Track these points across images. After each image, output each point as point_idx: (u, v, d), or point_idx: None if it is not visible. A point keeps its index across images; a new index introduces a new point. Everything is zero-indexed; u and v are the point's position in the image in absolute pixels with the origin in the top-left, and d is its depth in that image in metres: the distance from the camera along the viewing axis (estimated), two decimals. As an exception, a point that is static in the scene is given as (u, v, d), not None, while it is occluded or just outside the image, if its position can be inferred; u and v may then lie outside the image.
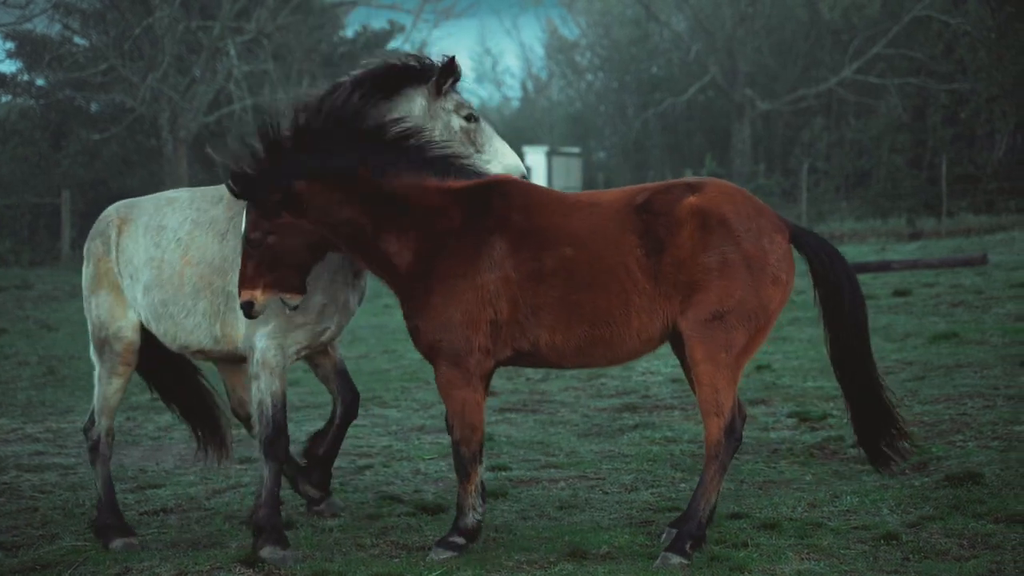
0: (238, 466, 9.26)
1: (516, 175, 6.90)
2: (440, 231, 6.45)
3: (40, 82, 36.34)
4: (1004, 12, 34.44)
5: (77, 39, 35.37)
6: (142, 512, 8.00)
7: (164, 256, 7.17)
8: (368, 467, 9.04)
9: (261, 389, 6.88)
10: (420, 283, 6.46)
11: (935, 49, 38.39)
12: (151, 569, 6.59)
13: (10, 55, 35.57)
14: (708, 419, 6.36)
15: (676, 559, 6.26)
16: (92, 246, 7.52)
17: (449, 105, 7.01)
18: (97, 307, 7.41)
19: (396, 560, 6.61)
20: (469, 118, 7.03)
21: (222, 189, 7.30)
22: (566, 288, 6.33)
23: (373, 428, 10.57)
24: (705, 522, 6.43)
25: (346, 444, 9.79)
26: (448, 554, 6.53)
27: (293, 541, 6.96)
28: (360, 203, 6.45)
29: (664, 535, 6.74)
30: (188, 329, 7.11)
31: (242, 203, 6.79)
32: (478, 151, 6.98)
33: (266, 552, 6.62)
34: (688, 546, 6.32)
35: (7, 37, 33.97)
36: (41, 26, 34.18)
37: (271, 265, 6.43)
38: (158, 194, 7.68)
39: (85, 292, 7.55)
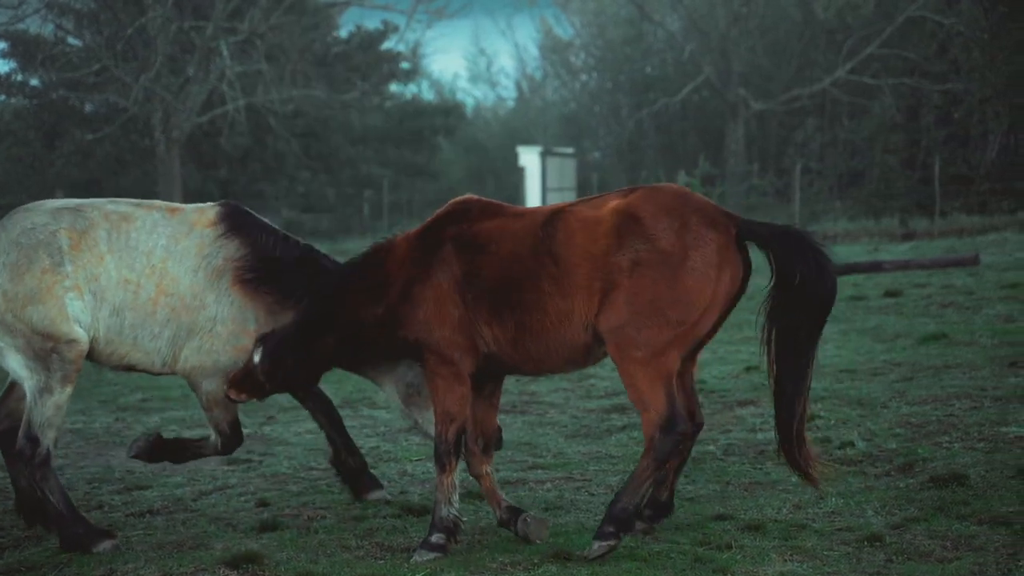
0: (225, 468, 9.28)
1: None
2: (402, 272, 6.83)
3: (34, 82, 36.35)
4: (997, 12, 34.53)
5: (71, 39, 35.36)
6: (128, 514, 8.00)
7: (140, 281, 7.26)
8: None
9: (217, 418, 7.50)
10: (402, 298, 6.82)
11: (929, 49, 38.47)
12: (135, 571, 6.59)
13: (4, 55, 35.58)
14: (641, 415, 6.47)
15: (597, 544, 6.40)
16: (34, 256, 7.10)
17: None
18: (39, 319, 7.05)
19: (381, 562, 6.61)
20: None
21: (189, 215, 7.52)
22: (490, 281, 6.62)
23: (362, 429, 10.58)
24: (631, 510, 6.45)
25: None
26: (431, 555, 6.56)
27: (278, 542, 6.98)
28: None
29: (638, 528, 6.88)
30: (146, 351, 7.36)
31: (216, 239, 7.38)
32: None
33: None
34: (611, 529, 6.39)
35: (0, 37, 33.96)
36: (34, 26, 34.18)
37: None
38: (91, 201, 7.50)
39: (13, 305, 7.06)
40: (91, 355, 7.35)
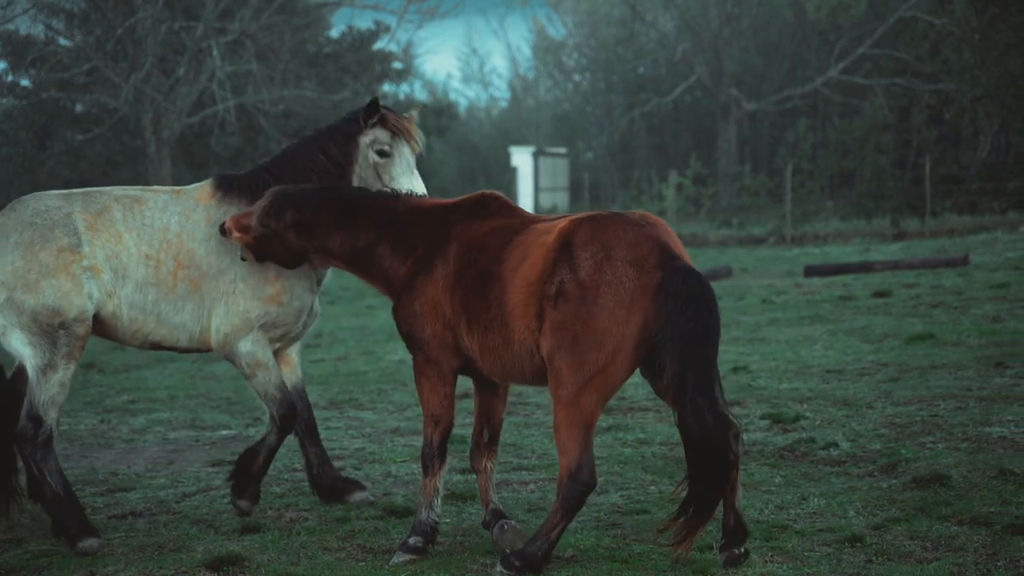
0: (210, 469, 9.26)
1: None
2: (424, 243, 6.82)
3: (24, 82, 36.30)
4: (988, 13, 34.54)
5: (61, 39, 35.32)
6: (111, 516, 7.97)
7: (160, 256, 7.43)
8: (339, 469, 9.01)
9: (261, 382, 7.53)
10: (406, 286, 6.84)
11: (920, 49, 38.52)
12: (115, 573, 6.58)
13: (-6, 55, 35.51)
14: (559, 456, 6.25)
15: (498, 569, 6.27)
16: (50, 235, 7.18)
17: (367, 140, 7.66)
18: (51, 293, 7.11)
19: (362, 564, 6.60)
20: (381, 153, 7.68)
21: (192, 192, 7.71)
22: (464, 288, 6.56)
23: (347, 430, 10.57)
24: (540, 555, 6.24)
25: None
26: (408, 557, 6.56)
27: (260, 544, 6.97)
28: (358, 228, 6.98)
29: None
30: (171, 326, 7.49)
31: (218, 207, 7.56)
32: (385, 186, 7.59)
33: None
34: (518, 563, 6.22)
35: (-9, 37, 33.91)
36: (24, 26, 34.14)
37: (260, 241, 7.06)
38: (99, 189, 7.63)
39: (23, 281, 7.12)
40: (116, 333, 7.48)
